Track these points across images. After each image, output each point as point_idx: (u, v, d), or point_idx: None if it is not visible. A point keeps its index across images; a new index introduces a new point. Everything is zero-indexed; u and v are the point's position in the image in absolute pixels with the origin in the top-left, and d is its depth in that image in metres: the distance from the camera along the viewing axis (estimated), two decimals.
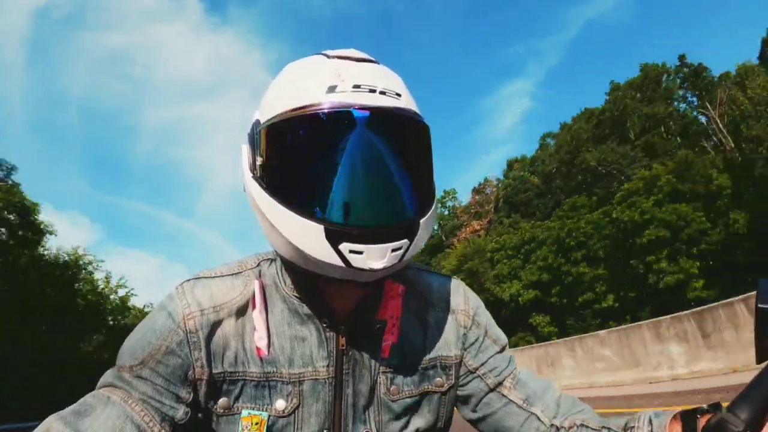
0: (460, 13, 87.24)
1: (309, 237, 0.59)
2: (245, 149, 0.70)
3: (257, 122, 0.67)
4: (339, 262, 0.59)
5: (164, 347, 0.65)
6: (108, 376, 0.67)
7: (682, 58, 33.59)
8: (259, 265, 0.76)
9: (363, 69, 0.65)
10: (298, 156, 0.62)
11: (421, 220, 0.64)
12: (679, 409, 0.63)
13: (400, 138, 0.63)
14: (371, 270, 0.60)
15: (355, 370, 0.72)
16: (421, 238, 0.65)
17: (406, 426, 0.74)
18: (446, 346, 0.79)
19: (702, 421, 0.57)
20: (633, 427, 0.66)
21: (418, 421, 0.75)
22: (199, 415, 0.67)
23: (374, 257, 0.60)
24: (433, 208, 0.67)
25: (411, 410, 0.75)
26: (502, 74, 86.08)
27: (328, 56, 0.67)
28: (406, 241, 0.62)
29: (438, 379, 0.77)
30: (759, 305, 0.54)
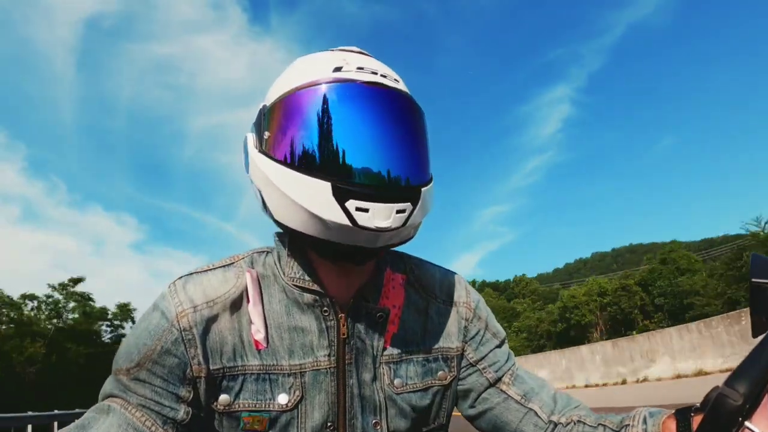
0: (495, 19, 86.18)
1: (317, 196, 0.61)
2: (250, 137, 0.72)
3: (263, 107, 0.70)
4: (345, 221, 0.60)
5: (159, 347, 0.65)
6: (107, 385, 0.67)
7: None
8: (251, 256, 0.76)
9: (365, 58, 0.72)
10: (306, 122, 0.64)
11: (423, 189, 0.67)
12: (676, 406, 0.63)
13: (401, 113, 0.67)
14: (377, 229, 0.61)
15: (358, 359, 0.71)
16: (424, 206, 0.68)
17: (411, 420, 0.74)
18: (448, 337, 0.79)
19: (696, 419, 0.56)
20: (628, 425, 0.66)
21: (423, 415, 0.75)
22: (201, 414, 0.67)
23: (379, 216, 0.61)
24: (432, 184, 0.70)
25: (416, 404, 0.74)
26: (541, 80, 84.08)
27: (332, 50, 0.73)
28: (409, 204, 0.64)
29: (441, 372, 0.77)
30: (752, 280, 0.55)
